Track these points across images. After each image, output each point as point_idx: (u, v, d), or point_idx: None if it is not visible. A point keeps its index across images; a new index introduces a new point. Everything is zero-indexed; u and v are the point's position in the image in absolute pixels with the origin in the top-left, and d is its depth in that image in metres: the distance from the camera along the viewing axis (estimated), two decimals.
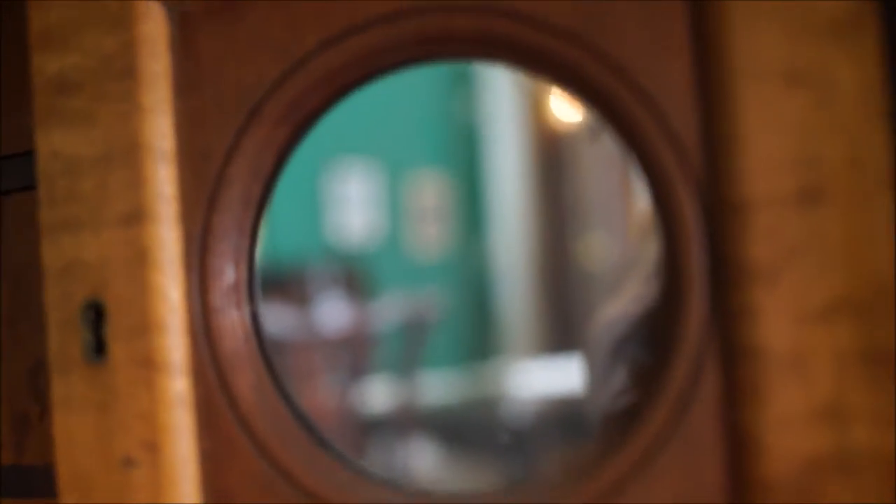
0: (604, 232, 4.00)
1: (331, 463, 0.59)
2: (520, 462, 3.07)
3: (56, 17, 0.59)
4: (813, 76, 0.50)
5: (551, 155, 4.23)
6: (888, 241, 0.49)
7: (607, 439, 0.57)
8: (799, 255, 0.50)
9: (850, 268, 0.49)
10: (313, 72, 0.57)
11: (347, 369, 3.11)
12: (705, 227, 0.52)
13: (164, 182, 0.58)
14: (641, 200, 0.56)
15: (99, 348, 0.58)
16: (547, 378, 3.61)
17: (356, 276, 3.62)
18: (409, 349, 3.36)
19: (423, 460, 3.23)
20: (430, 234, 4.24)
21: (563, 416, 3.03)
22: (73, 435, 0.58)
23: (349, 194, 4.08)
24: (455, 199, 4.31)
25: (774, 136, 0.50)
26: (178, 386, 0.57)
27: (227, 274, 0.59)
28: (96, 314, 0.58)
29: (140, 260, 0.57)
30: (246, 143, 0.58)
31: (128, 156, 0.58)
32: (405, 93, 3.99)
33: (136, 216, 0.57)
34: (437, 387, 3.86)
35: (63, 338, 0.58)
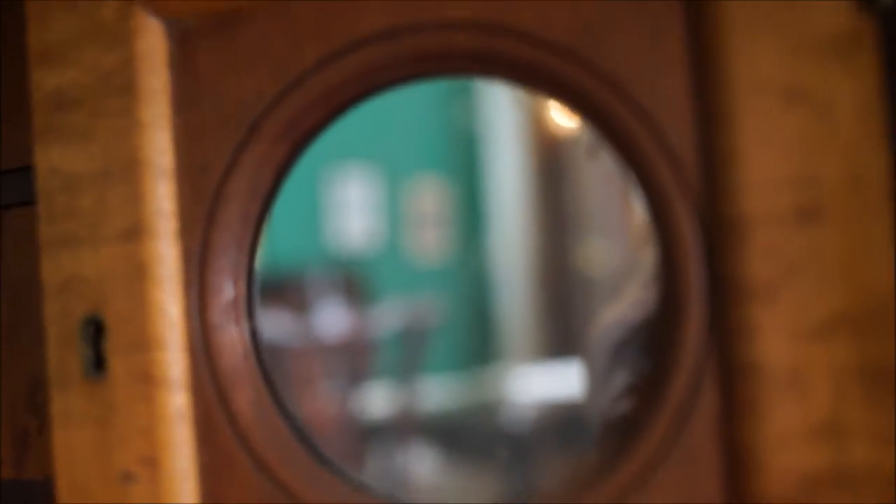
0: (603, 237, 4.00)
1: (330, 478, 0.59)
2: (519, 468, 3.07)
3: (55, 33, 0.59)
4: (811, 93, 0.50)
5: (551, 160, 4.23)
6: (886, 259, 0.49)
7: (606, 451, 0.57)
8: (797, 272, 0.50)
9: (848, 285, 0.49)
10: (312, 89, 0.57)
11: (347, 375, 3.11)
12: (703, 244, 0.52)
13: (162, 198, 0.58)
14: (641, 206, 0.56)
15: (98, 364, 0.58)
16: (546, 383, 3.61)
17: (355, 282, 3.62)
18: (409, 355, 3.36)
19: (422, 466, 3.23)
20: (430, 239, 4.24)
21: (562, 422, 3.03)
22: (72, 450, 0.58)
23: (349, 200, 4.08)
24: (455, 204, 4.31)
25: (773, 153, 0.50)
26: (177, 401, 0.58)
27: (226, 290, 0.59)
28: (96, 330, 0.58)
29: (139, 276, 0.57)
30: (245, 159, 0.58)
31: (127, 172, 0.58)
32: (405, 98, 3.99)
33: (135, 232, 0.57)
34: (437, 392, 3.86)
35: (62, 353, 0.58)
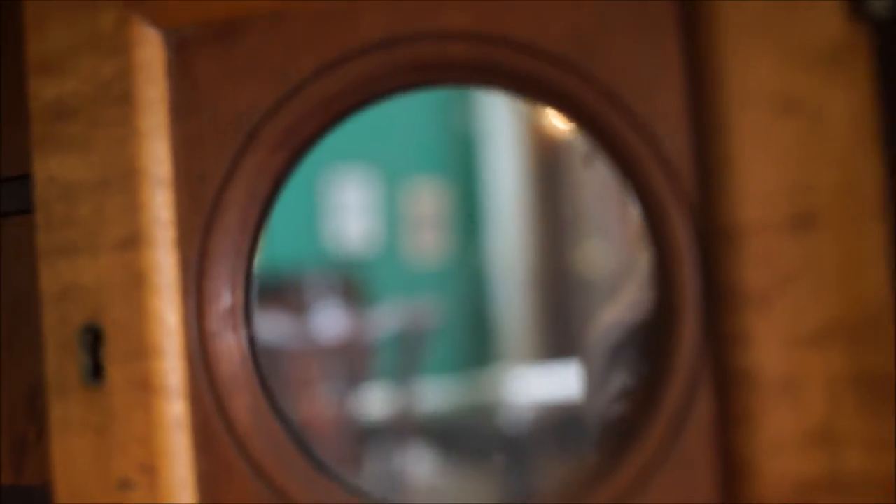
0: (601, 239, 4.01)
1: (327, 483, 0.60)
2: (517, 469, 3.07)
3: (53, 42, 0.59)
4: (806, 102, 0.50)
5: (548, 162, 4.24)
6: (881, 267, 0.49)
7: (605, 453, 0.57)
8: (792, 280, 0.50)
9: (842, 293, 0.50)
10: (310, 97, 0.57)
11: (345, 377, 3.11)
12: (699, 252, 0.53)
13: (160, 207, 0.58)
14: (636, 214, 0.56)
15: (97, 371, 0.58)
16: (544, 385, 3.61)
17: (353, 284, 3.62)
18: (407, 357, 3.36)
19: (420, 467, 3.23)
20: (428, 241, 4.25)
21: (560, 423, 3.03)
22: (71, 457, 0.59)
23: (347, 202, 4.08)
24: (453, 206, 4.32)
25: (767, 162, 0.51)
26: (175, 409, 0.58)
27: (224, 298, 0.59)
28: (94, 338, 0.58)
29: (137, 284, 0.58)
30: (243, 168, 0.58)
31: (124, 181, 0.58)
32: (403, 101, 3.98)
33: (133, 241, 0.58)
34: (435, 394, 3.86)
35: (61, 361, 0.59)
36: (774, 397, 0.50)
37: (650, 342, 0.62)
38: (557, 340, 4.15)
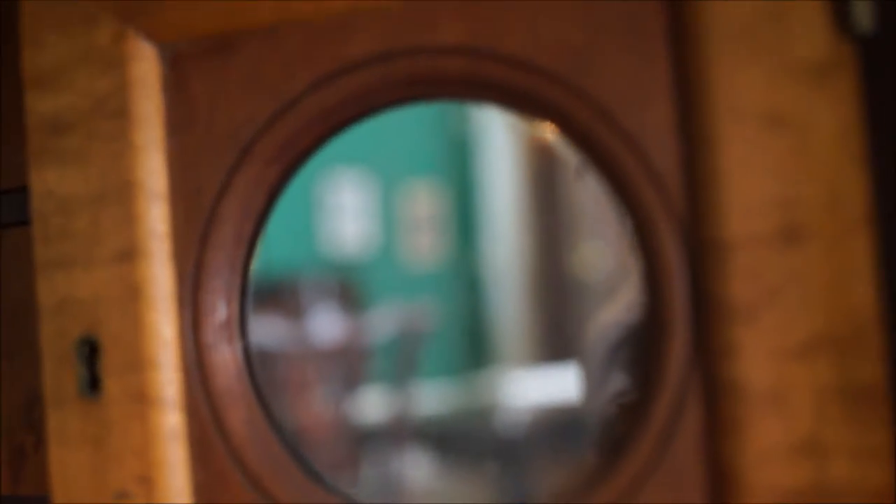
0: (597, 241, 4.01)
1: (323, 494, 0.60)
2: (514, 472, 3.08)
3: (50, 57, 0.60)
4: (792, 118, 0.51)
5: (545, 164, 4.24)
6: (866, 280, 0.50)
7: (605, 452, 0.58)
8: (779, 293, 0.51)
9: (829, 306, 0.51)
10: (304, 112, 0.58)
11: (341, 380, 3.11)
12: (688, 266, 0.53)
13: (156, 220, 0.59)
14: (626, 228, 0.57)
15: (94, 383, 0.59)
16: (541, 387, 3.62)
17: (350, 287, 3.63)
18: (403, 359, 3.36)
19: (417, 470, 3.23)
20: (424, 244, 4.25)
21: (557, 426, 3.04)
22: (68, 469, 0.59)
23: (343, 204, 4.09)
24: (449, 209, 4.32)
25: (754, 177, 0.51)
26: (171, 421, 0.58)
27: (220, 310, 0.60)
28: (91, 350, 0.59)
29: (133, 297, 0.58)
30: (238, 181, 0.59)
31: (120, 194, 0.59)
32: None
33: (129, 254, 0.58)
34: (432, 397, 3.87)
35: (58, 373, 0.59)
36: (762, 408, 0.51)
37: (641, 351, 0.63)
38: (554, 343, 4.15)
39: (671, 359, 0.54)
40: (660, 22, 0.54)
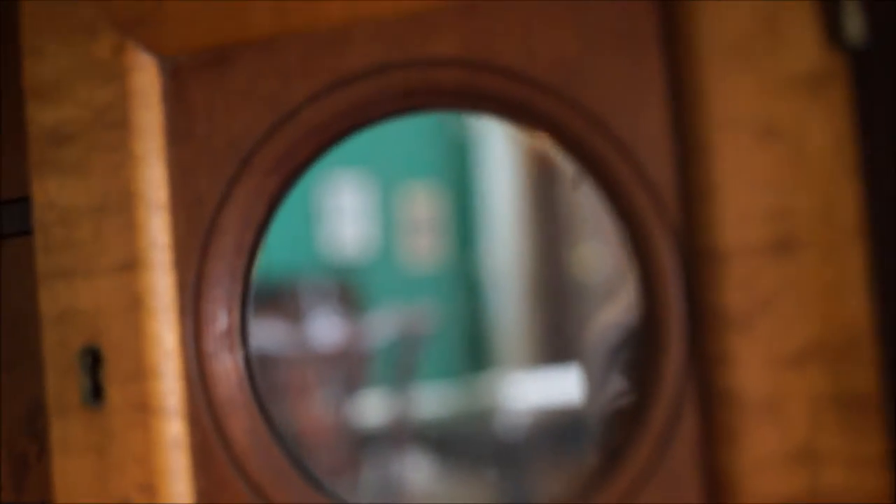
0: (596, 243, 4.02)
1: (324, 501, 0.61)
2: (514, 474, 3.08)
3: (50, 69, 0.60)
4: (785, 128, 0.52)
5: (544, 166, 4.25)
6: (860, 289, 0.51)
7: (605, 454, 0.58)
8: (773, 302, 0.51)
9: (823, 315, 0.51)
10: (302, 123, 0.59)
11: (341, 383, 3.12)
12: (682, 275, 0.54)
13: (157, 230, 0.59)
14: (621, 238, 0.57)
15: (96, 392, 0.59)
16: (541, 389, 3.62)
17: (349, 290, 3.63)
18: (403, 362, 3.37)
19: (417, 473, 3.24)
20: (424, 246, 4.26)
21: (556, 428, 3.04)
22: (71, 477, 0.60)
23: (342, 207, 4.09)
24: (448, 211, 4.32)
25: (748, 187, 0.52)
26: (173, 429, 0.59)
27: (221, 320, 0.60)
28: (93, 359, 0.59)
29: (135, 307, 0.59)
30: (237, 192, 0.59)
31: (122, 205, 0.59)
32: None
33: (131, 264, 0.59)
34: (431, 400, 3.87)
35: (61, 382, 0.60)
36: (757, 416, 0.52)
37: (642, 353, 0.64)
38: (554, 345, 4.15)
39: (667, 367, 0.54)
40: (653, 33, 0.54)
